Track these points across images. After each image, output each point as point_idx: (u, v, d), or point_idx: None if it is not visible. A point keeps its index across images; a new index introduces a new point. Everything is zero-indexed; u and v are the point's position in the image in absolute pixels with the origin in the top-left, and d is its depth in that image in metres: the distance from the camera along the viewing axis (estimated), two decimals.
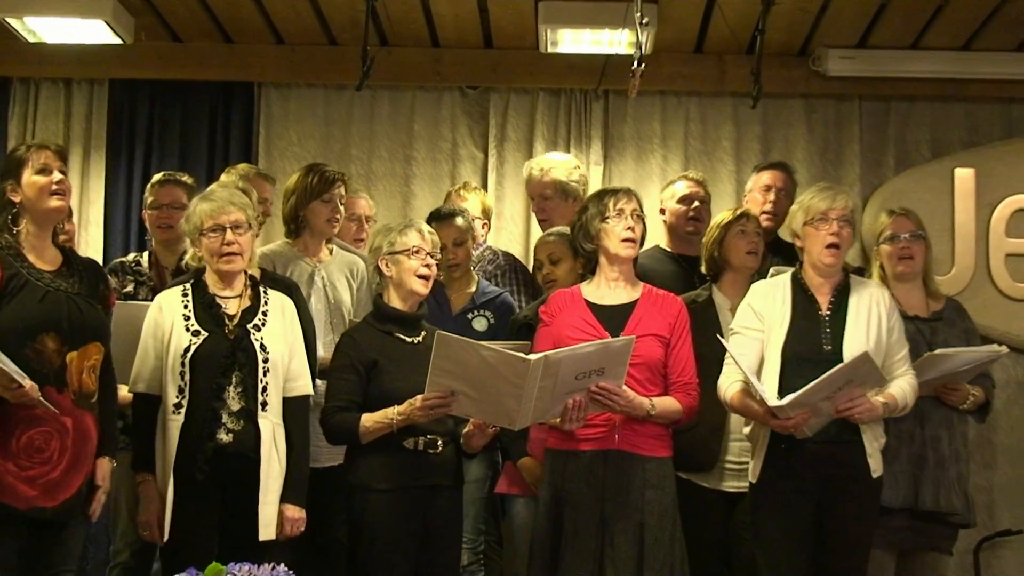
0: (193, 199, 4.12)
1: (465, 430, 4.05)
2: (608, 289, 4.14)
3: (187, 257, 4.14)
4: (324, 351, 4.48)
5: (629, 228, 4.08)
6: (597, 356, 3.77)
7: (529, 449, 4.42)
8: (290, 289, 4.34)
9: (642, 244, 4.21)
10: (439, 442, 4.01)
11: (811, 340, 4.05)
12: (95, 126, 6.44)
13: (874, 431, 4.05)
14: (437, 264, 4.17)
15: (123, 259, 4.96)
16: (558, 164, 5.40)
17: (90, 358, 3.73)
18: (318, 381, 4.28)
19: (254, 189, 4.57)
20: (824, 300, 4.12)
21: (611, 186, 4.56)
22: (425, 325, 4.17)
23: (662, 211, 5.42)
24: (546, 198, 5.34)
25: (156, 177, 5.10)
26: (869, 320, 4.08)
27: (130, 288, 4.79)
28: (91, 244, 6.32)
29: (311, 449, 4.10)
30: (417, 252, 4.10)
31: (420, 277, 4.09)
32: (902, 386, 4.07)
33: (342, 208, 4.79)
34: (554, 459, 4.04)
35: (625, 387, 3.89)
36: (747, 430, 4.18)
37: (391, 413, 3.91)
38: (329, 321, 4.68)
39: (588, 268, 4.22)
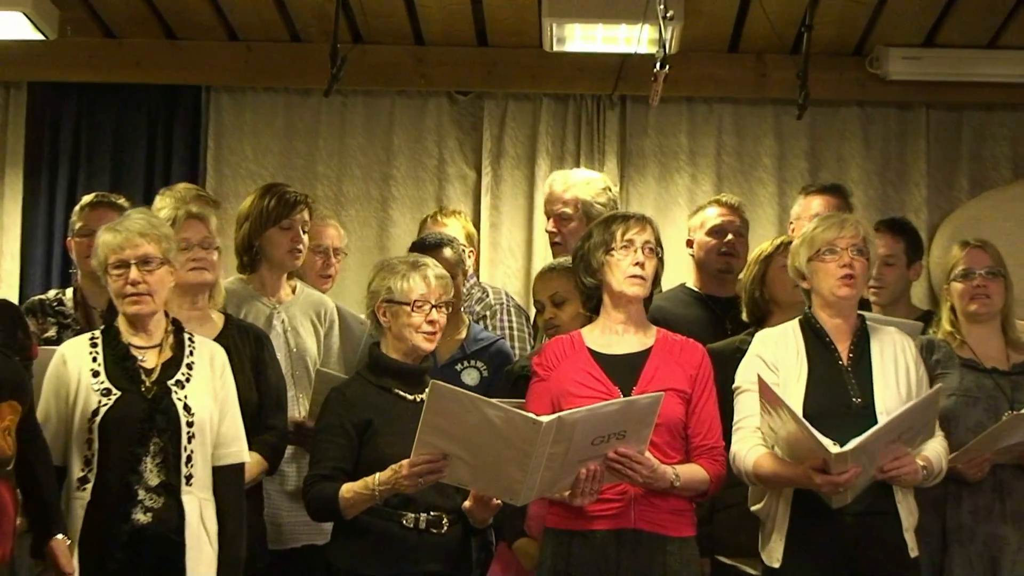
0: (100, 228, 4.12)
1: (464, 504, 4.03)
2: (615, 335, 4.12)
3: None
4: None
5: (638, 264, 4.06)
6: (619, 417, 3.75)
7: (527, 527, 4.39)
8: (259, 338, 4.36)
9: (656, 283, 4.19)
10: (444, 520, 4.02)
11: (836, 393, 4.05)
12: (11, 137, 6.50)
13: (908, 502, 4.05)
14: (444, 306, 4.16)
15: (43, 296, 4.96)
16: (585, 182, 5.37)
17: (3, 419, 3.72)
18: (289, 450, 4.35)
19: (213, 215, 4.60)
20: (844, 348, 4.14)
21: (622, 211, 4.52)
22: (428, 380, 4.05)
23: (689, 243, 5.40)
24: (564, 218, 5.31)
25: (85, 199, 5.12)
26: (897, 369, 4.10)
27: (52, 332, 4.79)
28: (4, 279, 6.37)
29: (283, 525, 4.14)
30: (421, 306, 4.10)
31: (424, 333, 4.11)
32: (936, 449, 4.07)
33: (305, 237, 4.78)
34: (557, 541, 3.99)
35: (648, 453, 3.87)
36: (757, 507, 4.14)
37: (372, 482, 3.90)
38: (291, 373, 4.69)
39: (589, 307, 4.20)
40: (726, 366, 4.28)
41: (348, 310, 5.06)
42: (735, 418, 4.12)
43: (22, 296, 6.10)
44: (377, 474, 3.90)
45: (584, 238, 4.20)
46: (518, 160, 6.58)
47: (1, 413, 3.73)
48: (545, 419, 3.64)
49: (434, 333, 4.13)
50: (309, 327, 4.82)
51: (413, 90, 6.57)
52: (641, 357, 4.08)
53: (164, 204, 4.99)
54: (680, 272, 5.24)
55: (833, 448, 3.82)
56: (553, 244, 5.40)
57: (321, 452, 4.05)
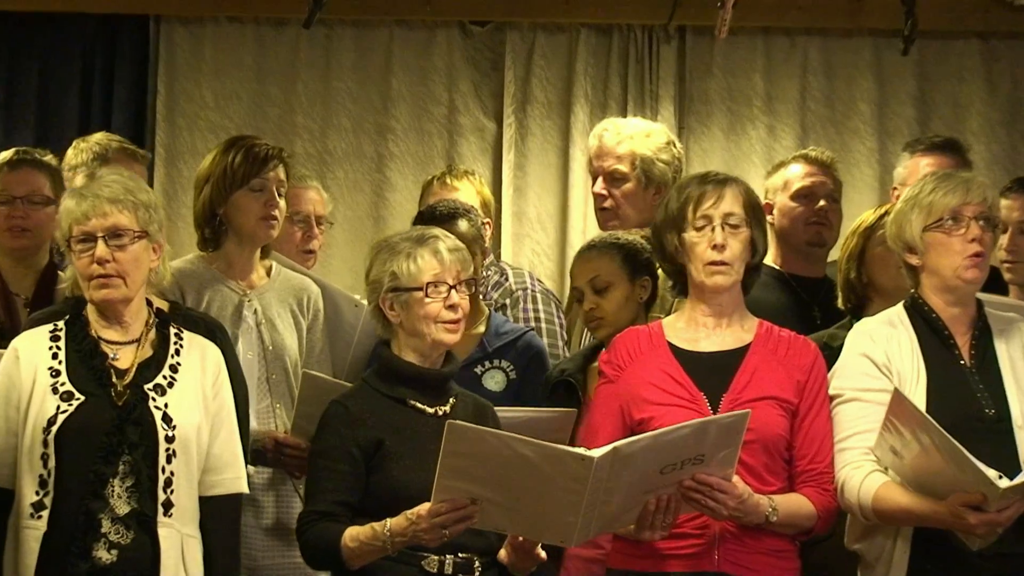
0: (65, 192, 4.14)
1: (500, 553, 4.01)
2: (701, 329, 4.12)
3: (64, 281, 4.11)
4: (257, 422, 4.50)
5: (715, 247, 4.04)
6: (693, 441, 3.74)
7: (564, 573, 4.35)
8: (212, 331, 4.29)
9: (759, 259, 4.17)
10: (476, 564, 3.97)
11: (964, 402, 4.02)
12: None
13: None
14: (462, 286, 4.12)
15: None
16: (644, 133, 5.35)
17: None
18: (250, 470, 4.26)
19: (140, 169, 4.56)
20: (964, 343, 4.11)
21: (698, 174, 4.44)
22: (455, 387, 4.14)
23: (768, 209, 5.23)
24: (617, 178, 5.27)
25: (3, 155, 5.10)
26: None
27: None
28: None
29: (260, 569, 4.13)
30: (437, 288, 4.05)
31: (445, 323, 4.06)
32: None
33: (282, 202, 4.72)
34: None
35: (737, 479, 3.85)
36: (860, 545, 4.13)
37: (382, 530, 3.86)
38: (265, 377, 4.65)
39: (678, 290, 4.22)
40: None
41: (336, 289, 5.01)
42: (836, 435, 4.07)
43: None
44: (389, 521, 3.84)
45: (660, 208, 4.22)
46: (549, 108, 6.55)
47: None
48: (597, 453, 3.62)
49: (457, 321, 4.06)
50: (288, 318, 4.76)
51: (416, 20, 6.56)
52: (736, 356, 4.08)
53: (78, 160, 5.09)
54: None
55: (1000, 481, 3.75)
56: (601, 210, 5.38)
57: (319, 483, 3.99)
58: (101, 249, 3.88)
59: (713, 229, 4.04)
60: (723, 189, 4.09)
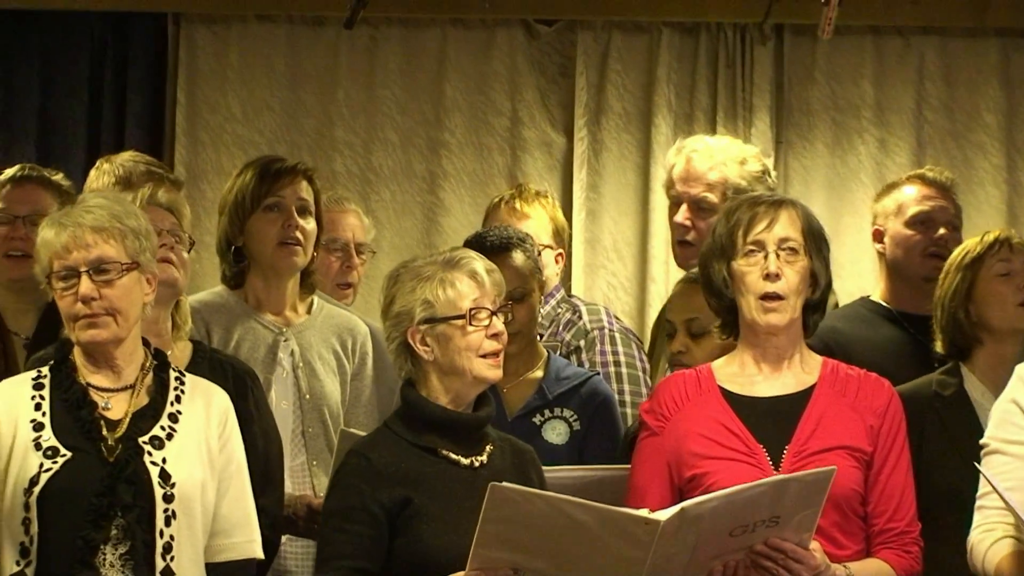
0: (43, 221, 4.06)
1: None
2: (756, 372, 4.13)
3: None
4: (291, 483, 4.54)
5: (769, 275, 4.06)
6: (768, 501, 3.73)
7: None
8: (242, 380, 4.34)
9: (820, 291, 4.13)
10: None
11: None
12: None
13: None
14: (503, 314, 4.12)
15: None
16: (737, 158, 5.32)
17: None
18: (282, 540, 4.33)
19: (183, 202, 4.56)
20: None
21: (748, 196, 4.44)
22: (491, 433, 4.12)
23: (877, 235, 5.42)
24: (704, 208, 5.24)
25: (6, 173, 5.16)
26: None
27: None
28: None
29: None
30: (477, 314, 4.07)
31: (488, 356, 4.07)
32: None
33: (305, 223, 4.76)
34: None
35: (816, 546, 3.83)
36: None
37: None
38: (301, 431, 4.70)
39: (727, 333, 4.20)
40: (920, 417, 4.31)
41: (379, 327, 4.98)
42: (979, 490, 3.99)
43: None
44: None
45: (708, 240, 4.22)
46: (626, 119, 6.64)
47: None
48: (663, 515, 3.61)
49: (499, 353, 4.07)
50: (331, 361, 4.82)
51: (474, 18, 6.67)
52: (798, 401, 4.08)
53: (100, 183, 4.99)
54: (864, 279, 5.27)
55: None
56: (680, 243, 5.37)
57: (333, 546, 3.97)
58: (85, 285, 3.86)
59: (766, 256, 4.04)
60: (777, 211, 4.09)
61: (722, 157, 5.33)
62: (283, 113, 6.64)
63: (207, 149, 6.60)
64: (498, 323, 4.06)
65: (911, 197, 5.36)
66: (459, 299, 4.03)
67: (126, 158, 5.24)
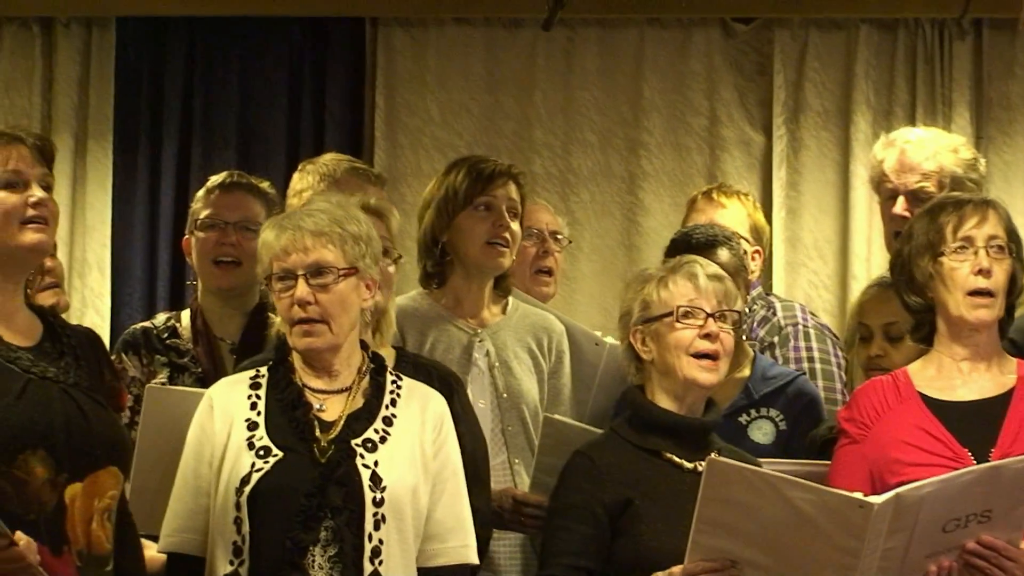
0: (265, 222, 4.10)
1: None
2: (957, 375, 4.10)
3: (276, 324, 4.10)
4: (494, 482, 4.48)
5: (980, 272, 4.03)
6: (981, 490, 3.71)
7: None
8: (447, 384, 4.32)
9: (1015, 294, 4.12)
10: None
11: None
12: (94, 97, 6.67)
13: None
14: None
15: (148, 324, 4.98)
16: (950, 147, 5.21)
17: (103, 495, 3.71)
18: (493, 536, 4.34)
19: (392, 211, 4.52)
20: None
21: (952, 195, 4.42)
22: (717, 440, 4.16)
23: None
24: (921, 199, 4.97)
25: (215, 179, 5.09)
26: None
27: (162, 376, 4.80)
28: (89, 300, 6.51)
29: None
30: (688, 315, 4.10)
31: (700, 357, 4.09)
32: None
33: (514, 225, 4.76)
34: None
35: None
36: None
37: None
38: (500, 429, 4.69)
39: (919, 335, 4.18)
40: None
41: (574, 324, 5.04)
42: None
43: (115, 323, 6.27)
44: None
45: (903, 239, 4.21)
46: (825, 117, 6.67)
47: (99, 485, 3.72)
48: (877, 499, 3.61)
49: (715, 357, 4.08)
50: (526, 360, 4.80)
51: (671, 18, 6.69)
52: (1000, 404, 4.05)
53: (304, 184, 5.06)
54: None
55: None
56: (897, 234, 5.26)
57: (557, 543, 4.02)
58: (302, 289, 3.88)
59: (976, 252, 4.04)
60: (987, 210, 4.09)
61: (935, 147, 5.21)
62: (481, 116, 6.70)
63: (406, 152, 6.66)
64: (713, 325, 4.07)
65: None
66: (671, 298, 4.09)
67: (328, 159, 5.27)
